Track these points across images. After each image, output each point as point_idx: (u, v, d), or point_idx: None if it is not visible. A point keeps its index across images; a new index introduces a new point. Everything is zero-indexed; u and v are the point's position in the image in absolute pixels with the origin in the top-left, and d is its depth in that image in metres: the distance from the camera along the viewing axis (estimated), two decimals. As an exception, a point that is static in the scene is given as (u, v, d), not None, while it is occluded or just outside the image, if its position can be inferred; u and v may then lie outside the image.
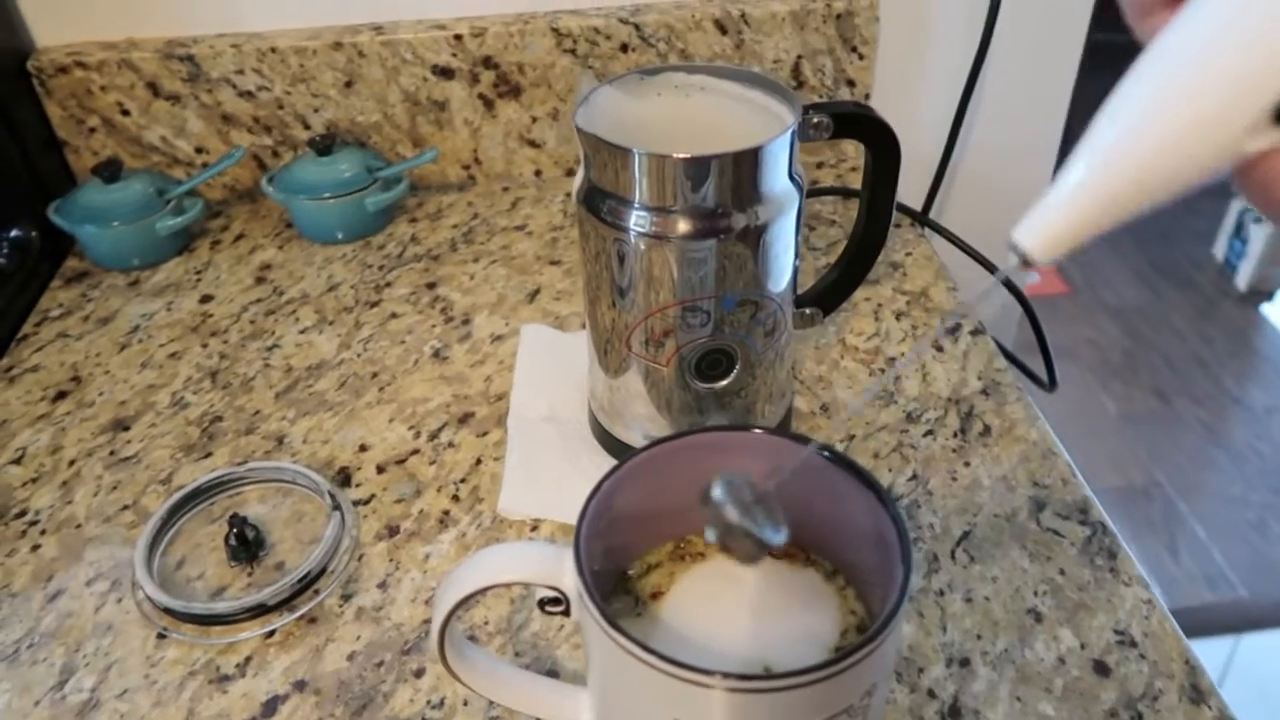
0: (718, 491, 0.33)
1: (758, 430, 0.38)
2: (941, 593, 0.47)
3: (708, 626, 0.38)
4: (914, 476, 0.53)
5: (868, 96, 0.80)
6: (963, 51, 0.77)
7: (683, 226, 0.44)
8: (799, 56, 0.77)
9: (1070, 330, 2.24)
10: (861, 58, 0.78)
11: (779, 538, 0.33)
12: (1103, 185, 0.20)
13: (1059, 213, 0.21)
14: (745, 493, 0.33)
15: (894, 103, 0.82)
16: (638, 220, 0.44)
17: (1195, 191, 0.20)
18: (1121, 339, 2.22)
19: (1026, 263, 0.21)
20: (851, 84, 0.79)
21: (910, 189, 0.81)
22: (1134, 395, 2.08)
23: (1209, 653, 1.55)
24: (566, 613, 0.35)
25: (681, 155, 0.42)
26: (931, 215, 0.78)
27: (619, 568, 0.40)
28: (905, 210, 0.74)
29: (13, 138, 0.70)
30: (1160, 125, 0.19)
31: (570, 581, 0.34)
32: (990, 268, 0.69)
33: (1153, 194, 0.20)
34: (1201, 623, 1.60)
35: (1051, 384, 0.71)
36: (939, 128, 0.79)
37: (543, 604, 0.35)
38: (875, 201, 0.52)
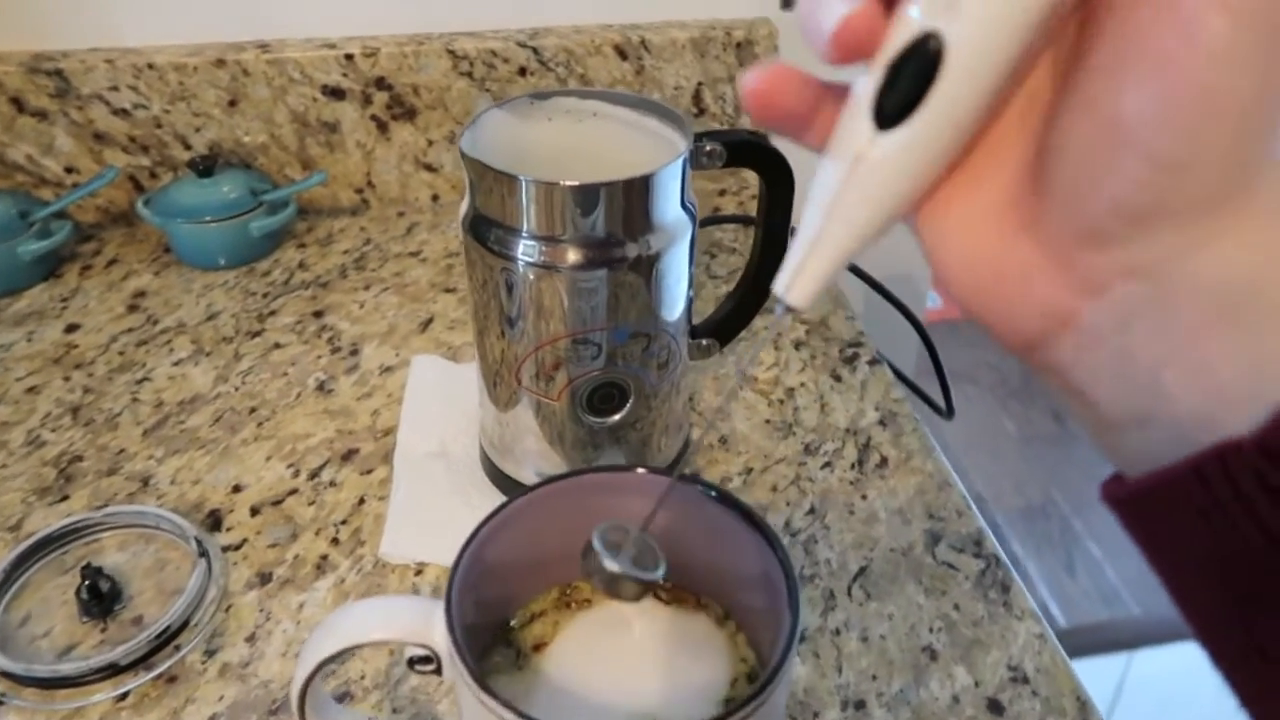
0: (595, 542, 0.31)
1: (640, 470, 0.37)
2: (838, 631, 0.46)
3: (593, 679, 0.36)
4: (811, 510, 0.52)
5: (769, 125, 0.80)
6: (861, 83, 0.78)
7: (572, 256, 0.43)
8: (699, 83, 0.76)
9: (971, 354, 2.30)
10: (762, 87, 0.77)
11: (657, 574, 0.32)
12: (825, 233, 0.21)
13: (804, 267, 0.22)
14: (620, 537, 0.32)
15: (795, 132, 0.82)
16: (526, 249, 0.43)
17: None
18: (1019, 363, 2.29)
19: (790, 309, 0.23)
20: (753, 113, 0.79)
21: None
22: (1032, 416, 2.14)
23: (1104, 670, 1.59)
24: (438, 671, 0.33)
25: (570, 183, 0.41)
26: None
27: (500, 618, 0.38)
28: (806, 239, 0.74)
29: None
30: (828, 167, 0.21)
31: (441, 639, 0.32)
32: (888, 296, 0.69)
33: (865, 231, 0.21)
34: (1097, 641, 1.64)
35: (949, 411, 0.72)
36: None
37: (412, 662, 0.33)
38: (770, 230, 0.51)
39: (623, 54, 0.74)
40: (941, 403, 0.71)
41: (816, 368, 0.62)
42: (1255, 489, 0.17)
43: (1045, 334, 0.21)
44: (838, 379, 0.61)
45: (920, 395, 0.72)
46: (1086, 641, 1.75)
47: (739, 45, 0.75)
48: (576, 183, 0.41)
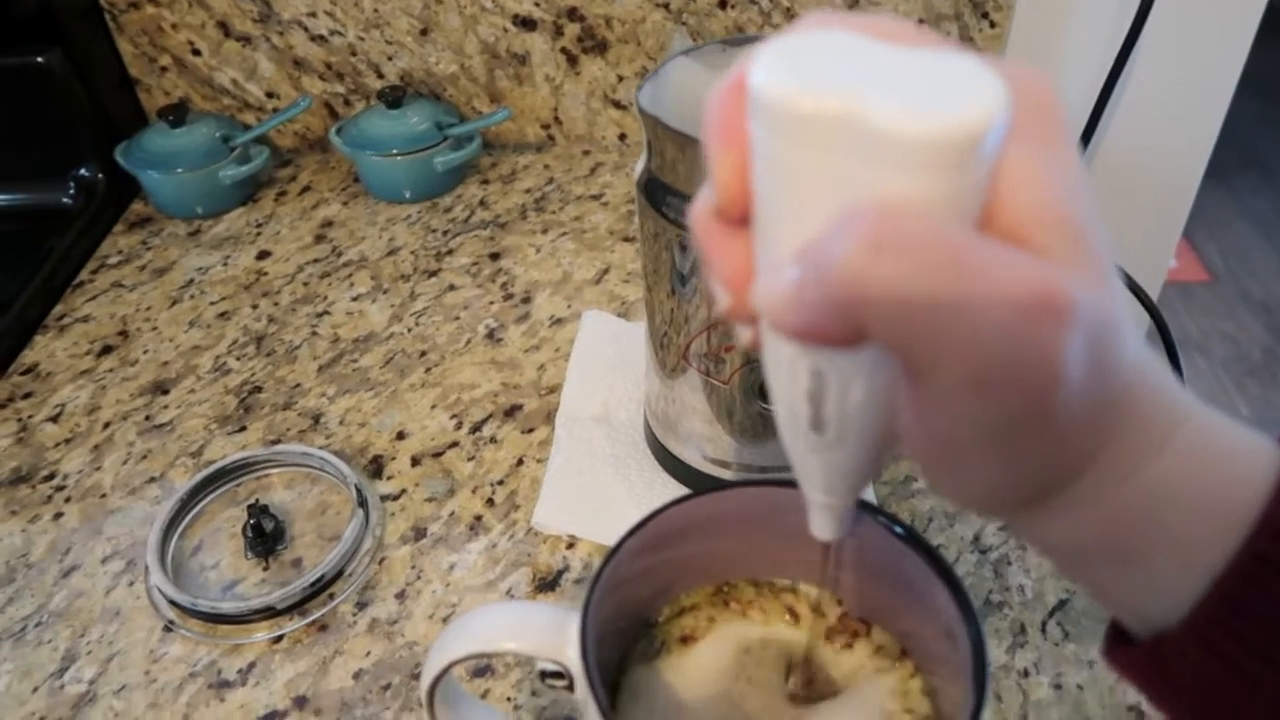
0: None
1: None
2: (1026, 673, 0.40)
3: (734, 693, 0.33)
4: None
5: (997, 68, 0.71)
6: (1115, 22, 0.67)
7: (755, 229, 0.38)
8: (920, 20, 0.68)
9: (1206, 322, 2.06)
10: (993, 25, 0.68)
11: None
12: (813, 499, 0.26)
13: (814, 514, 0.26)
14: None
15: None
16: (703, 219, 0.38)
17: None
18: (1263, 336, 2.03)
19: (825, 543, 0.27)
20: (979, 53, 0.70)
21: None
22: (1272, 399, 1.91)
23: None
24: (570, 689, 0.30)
25: (758, 147, 0.36)
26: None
27: (646, 614, 0.35)
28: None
29: (79, 74, 0.68)
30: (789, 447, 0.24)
31: (574, 658, 0.29)
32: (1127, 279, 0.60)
33: (845, 486, 0.25)
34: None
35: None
36: (1078, 112, 0.69)
37: (544, 676, 0.31)
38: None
39: (835, -15, 0.66)
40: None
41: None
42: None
43: None
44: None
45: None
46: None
47: (970, -24, 0.66)
48: (767, 148, 0.36)
